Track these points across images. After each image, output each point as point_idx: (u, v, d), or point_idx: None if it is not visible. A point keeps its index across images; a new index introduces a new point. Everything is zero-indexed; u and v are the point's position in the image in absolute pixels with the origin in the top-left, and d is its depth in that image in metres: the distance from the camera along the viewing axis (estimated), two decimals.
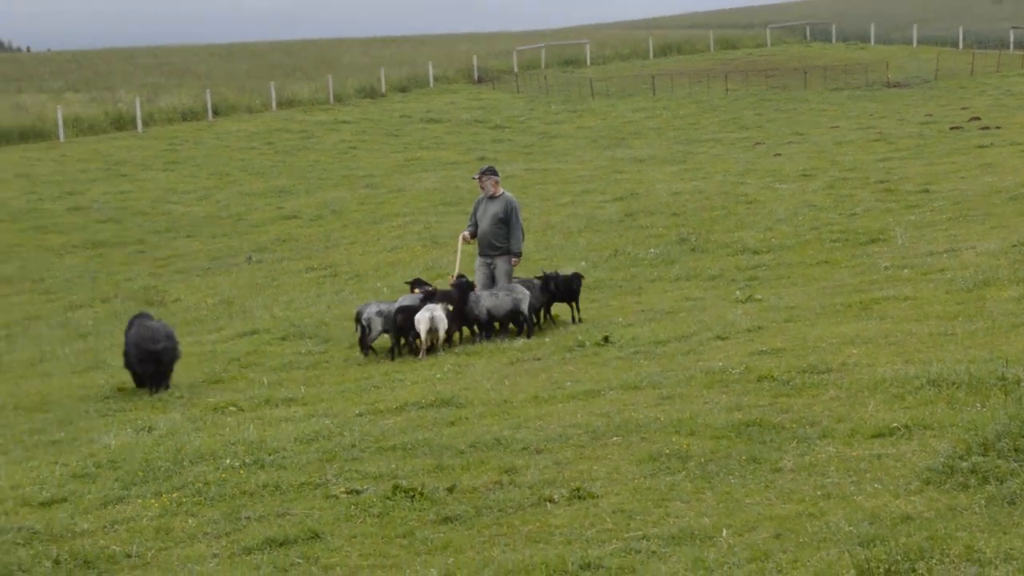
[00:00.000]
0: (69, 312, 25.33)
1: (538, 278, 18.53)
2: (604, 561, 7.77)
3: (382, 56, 79.07)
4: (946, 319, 14.04)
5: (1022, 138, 35.99)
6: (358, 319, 17.96)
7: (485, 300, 17.65)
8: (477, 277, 18.52)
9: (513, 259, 18.55)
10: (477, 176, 18.96)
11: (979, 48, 72.12)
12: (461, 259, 19.74)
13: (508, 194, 18.79)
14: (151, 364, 16.17)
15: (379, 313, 17.41)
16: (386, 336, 17.91)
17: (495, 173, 18.86)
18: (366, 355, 17.54)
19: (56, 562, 8.78)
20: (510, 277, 18.45)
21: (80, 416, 14.63)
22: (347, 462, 10.70)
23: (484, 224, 18.51)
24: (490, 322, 17.79)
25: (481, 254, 18.73)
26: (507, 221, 18.42)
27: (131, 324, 16.93)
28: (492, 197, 18.61)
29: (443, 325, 16.99)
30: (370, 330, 17.49)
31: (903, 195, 27.35)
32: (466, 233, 19.03)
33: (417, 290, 18.01)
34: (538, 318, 18.50)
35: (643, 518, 8.51)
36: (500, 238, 18.47)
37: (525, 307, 17.69)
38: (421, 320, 16.80)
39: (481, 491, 9.44)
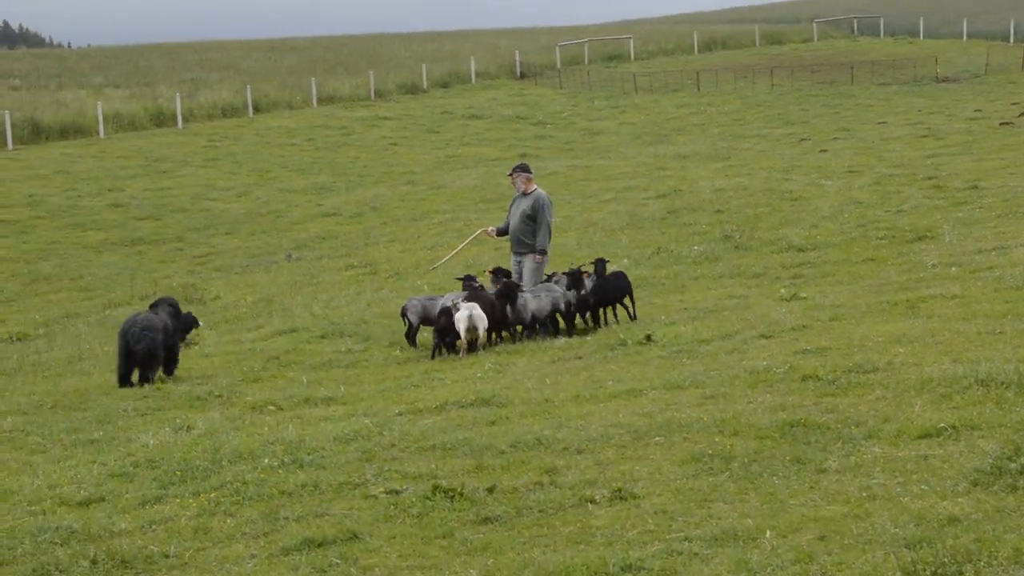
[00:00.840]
0: (108, 310, 25.43)
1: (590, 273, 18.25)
2: (646, 563, 7.68)
3: (423, 52, 79.28)
4: (995, 318, 13.85)
5: None
6: (404, 314, 18.00)
7: (531, 303, 17.54)
8: (513, 274, 18.51)
9: (537, 257, 18.44)
10: (510, 173, 18.94)
11: None
12: (461, 250, 19.71)
13: (540, 191, 18.72)
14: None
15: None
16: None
17: (527, 170, 18.81)
18: (437, 350, 17.43)
19: (94, 562, 8.73)
20: (536, 275, 18.31)
21: (118, 415, 14.60)
22: (386, 462, 10.62)
23: (514, 221, 18.53)
24: (534, 324, 17.69)
25: (512, 251, 18.77)
26: (534, 218, 18.35)
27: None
28: (525, 194, 18.59)
29: (482, 323, 16.90)
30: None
31: (951, 192, 27.11)
32: (491, 228, 19.15)
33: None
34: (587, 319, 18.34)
35: (685, 519, 8.41)
36: (528, 235, 18.42)
37: (563, 305, 17.60)
38: (460, 319, 16.72)
39: (521, 491, 9.35)
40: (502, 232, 19.00)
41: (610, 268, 18.84)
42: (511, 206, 18.87)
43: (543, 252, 18.53)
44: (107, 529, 9.49)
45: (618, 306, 18.45)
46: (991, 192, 26.19)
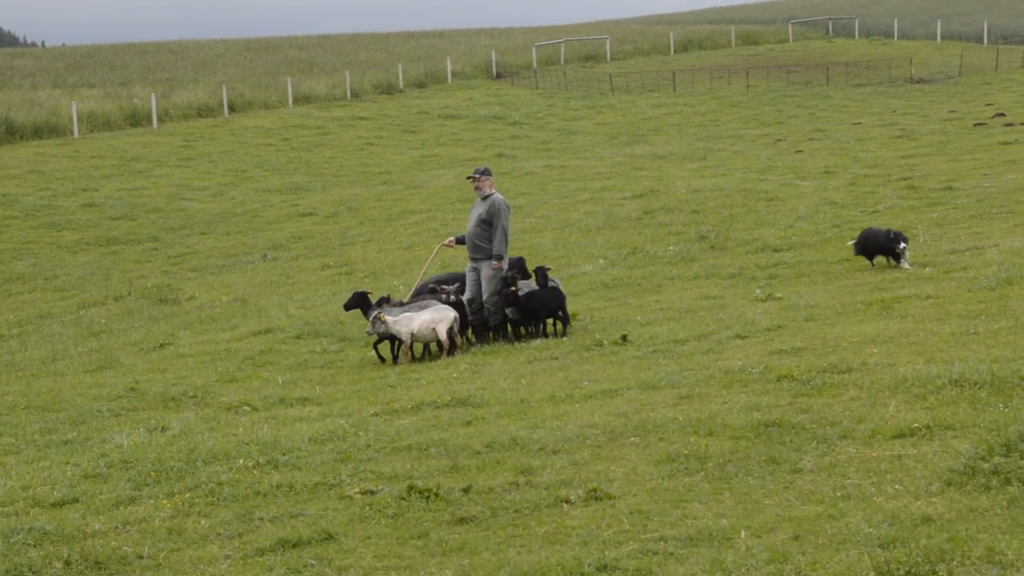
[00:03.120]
0: (82, 310, 25.36)
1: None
2: (621, 563, 7.70)
3: (400, 52, 79.18)
4: (968, 318, 13.94)
5: None
6: None
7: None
8: (468, 282, 18.14)
9: (494, 263, 17.81)
10: (472, 176, 18.18)
11: (1004, 43, 71.91)
12: (426, 271, 19.53)
13: (497, 195, 18.06)
14: None
15: None
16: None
17: (489, 173, 18.17)
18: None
19: (67, 563, 8.71)
20: (494, 282, 17.68)
21: (92, 415, 14.56)
22: (362, 462, 10.63)
23: (469, 225, 17.95)
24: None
25: (469, 257, 18.18)
26: (490, 222, 17.78)
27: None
28: (483, 198, 18.06)
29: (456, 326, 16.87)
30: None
31: (925, 192, 27.22)
32: (449, 240, 18.71)
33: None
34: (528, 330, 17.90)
35: (660, 519, 8.43)
36: (484, 239, 17.81)
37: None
38: (441, 321, 16.66)
39: (497, 492, 9.37)
40: (461, 240, 18.41)
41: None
42: (471, 211, 18.37)
43: (499, 258, 17.86)
44: (81, 530, 9.47)
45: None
46: (965, 193, 26.30)
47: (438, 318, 16.66)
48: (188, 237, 35.17)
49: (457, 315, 16.80)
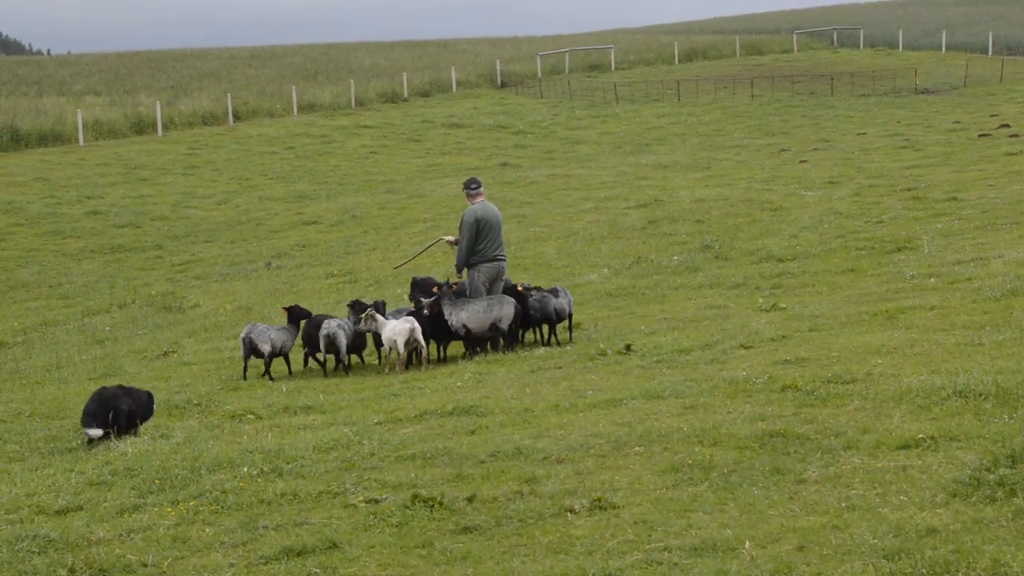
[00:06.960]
0: (86, 318, 25.36)
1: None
2: (625, 572, 7.69)
3: (404, 60, 79.27)
4: (973, 329, 13.91)
5: None
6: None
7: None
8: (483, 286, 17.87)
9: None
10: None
11: (1009, 54, 71.92)
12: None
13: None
14: None
15: None
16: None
17: None
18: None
19: (71, 571, 8.71)
20: (473, 289, 17.65)
21: None
22: (366, 471, 10.61)
23: (499, 229, 17.72)
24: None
25: (496, 258, 17.84)
26: None
27: None
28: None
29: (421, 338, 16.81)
30: None
31: (930, 203, 27.20)
32: (452, 238, 18.35)
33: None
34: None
35: (665, 529, 8.41)
36: None
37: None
38: (400, 332, 16.58)
39: (501, 501, 9.34)
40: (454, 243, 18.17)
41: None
42: (495, 217, 17.76)
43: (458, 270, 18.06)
44: (85, 538, 9.46)
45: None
46: (970, 203, 26.28)
47: (397, 330, 16.59)
48: (192, 245, 35.20)
49: (414, 328, 16.66)
